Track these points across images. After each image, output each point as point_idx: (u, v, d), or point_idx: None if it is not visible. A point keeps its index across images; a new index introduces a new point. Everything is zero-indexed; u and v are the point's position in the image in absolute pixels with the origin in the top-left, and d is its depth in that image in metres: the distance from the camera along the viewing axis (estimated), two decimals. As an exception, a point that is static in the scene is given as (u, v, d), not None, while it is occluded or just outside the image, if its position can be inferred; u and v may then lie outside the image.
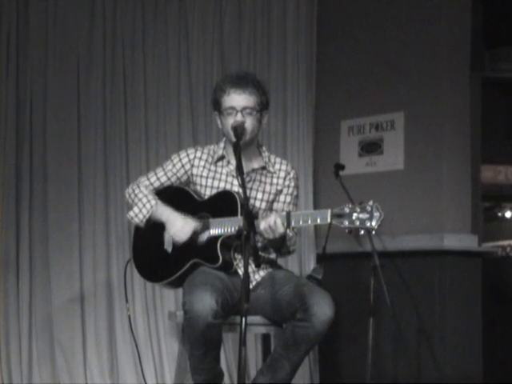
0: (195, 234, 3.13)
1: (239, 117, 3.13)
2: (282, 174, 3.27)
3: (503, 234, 6.97)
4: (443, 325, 4.40)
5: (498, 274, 4.85)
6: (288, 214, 2.97)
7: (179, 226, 3.13)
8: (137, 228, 3.35)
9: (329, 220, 2.87)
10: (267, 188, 3.25)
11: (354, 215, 2.82)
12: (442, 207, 4.48)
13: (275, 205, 3.26)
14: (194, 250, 3.14)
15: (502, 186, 6.43)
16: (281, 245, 3.14)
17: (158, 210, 3.21)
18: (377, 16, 4.79)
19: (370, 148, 4.76)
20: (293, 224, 2.96)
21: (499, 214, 7.23)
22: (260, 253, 3.11)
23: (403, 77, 4.65)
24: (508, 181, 6.48)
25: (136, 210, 3.24)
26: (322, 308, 2.95)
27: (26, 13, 4.44)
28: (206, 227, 3.14)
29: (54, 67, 4.49)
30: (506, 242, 6.74)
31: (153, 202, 3.22)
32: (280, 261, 3.37)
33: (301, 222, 2.95)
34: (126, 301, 3.70)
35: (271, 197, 3.25)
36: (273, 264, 3.27)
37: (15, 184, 4.37)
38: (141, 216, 3.22)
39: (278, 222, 2.96)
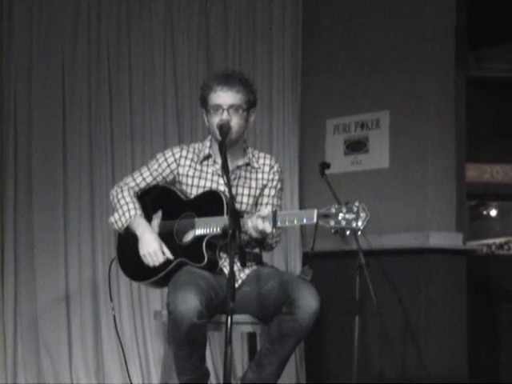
0: (183, 229, 3.12)
1: (225, 115, 3.12)
2: (267, 169, 3.28)
3: (488, 232, 7.01)
4: (428, 322, 4.41)
5: (483, 272, 4.88)
6: (274, 214, 2.97)
7: (151, 250, 3.12)
8: (121, 227, 3.35)
9: (315, 220, 2.87)
10: (252, 184, 3.25)
11: (340, 215, 2.82)
12: (427, 205, 4.49)
13: (260, 199, 3.26)
14: (180, 250, 3.14)
15: (487, 185, 6.46)
16: (263, 240, 3.14)
17: (135, 222, 3.19)
18: (362, 15, 4.81)
19: (356, 147, 4.77)
20: (279, 224, 2.96)
21: (484, 213, 7.26)
22: (245, 249, 3.12)
23: (389, 76, 4.67)
24: (493, 179, 6.51)
25: (116, 216, 3.23)
26: (307, 300, 2.96)
27: (10, 10, 4.41)
28: (190, 227, 3.14)
29: (38, 66, 4.46)
30: (491, 241, 6.78)
31: (132, 212, 3.20)
32: (265, 258, 3.37)
33: (287, 223, 2.95)
34: (111, 300, 3.69)
35: (257, 191, 3.26)
36: (258, 261, 3.27)
37: (-1, 183, 4.36)
38: (120, 224, 3.22)
39: (267, 225, 2.96)
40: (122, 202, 3.24)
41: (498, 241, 6.76)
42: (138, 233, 3.17)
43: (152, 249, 3.13)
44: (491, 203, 7.22)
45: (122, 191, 3.27)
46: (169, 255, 3.13)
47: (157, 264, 3.12)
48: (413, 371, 4.38)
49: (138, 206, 3.23)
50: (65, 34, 4.52)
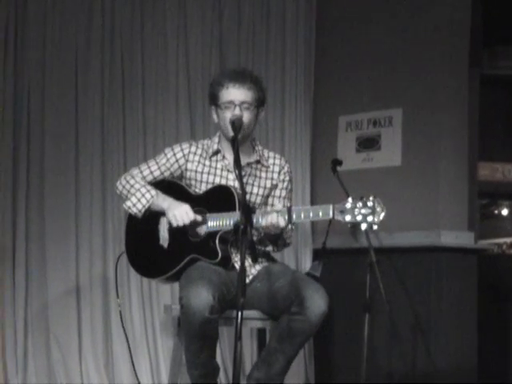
0: (194, 224, 3.11)
1: (237, 111, 3.13)
2: (277, 169, 3.28)
3: (499, 231, 6.98)
4: (438, 321, 4.40)
5: (494, 271, 4.86)
6: (289, 209, 2.96)
7: (183, 210, 3.11)
8: (129, 223, 3.32)
9: (331, 215, 2.86)
10: (262, 182, 3.25)
11: (356, 210, 2.82)
12: (439, 204, 4.48)
13: (270, 199, 3.27)
14: (192, 246, 3.13)
15: (499, 184, 6.42)
16: (277, 237, 3.14)
17: (159, 198, 3.19)
18: (376, 13, 4.80)
19: (368, 144, 4.76)
20: (294, 219, 2.96)
21: (496, 212, 7.22)
22: (257, 246, 3.11)
23: (402, 73, 4.65)
24: (505, 178, 6.48)
25: (134, 199, 3.21)
26: (316, 301, 2.96)
27: (24, 4, 4.42)
28: (203, 222, 3.13)
29: (52, 59, 4.47)
30: (502, 240, 6.75)
31: (153, 192, 3.21)
32: (276, 255, 3.37)
33: (302, 217, 2.95)
34: (118, 297, 3.68)
35: (266, 191, 3.26)
36: (269, 258, 3.27)
37: (12, 175, 4.35)
38: (139, 206, 3.20)
39: (280, 219, 2.96)
40: (137, 186, 3.23)
41: (509, 240, 6.73)
42: (166, 204, 3.15)
43: (182, 208, 3.10)
44: (503, 202, 7.18)
45: (132, 178, 3.26)
46: (198, 217, 3.10)
47: (186, 222, 3.09)
48: (421, 369, 4.37)
49: (154, 187, 3.22)
50: (78, 29, 4.52)
